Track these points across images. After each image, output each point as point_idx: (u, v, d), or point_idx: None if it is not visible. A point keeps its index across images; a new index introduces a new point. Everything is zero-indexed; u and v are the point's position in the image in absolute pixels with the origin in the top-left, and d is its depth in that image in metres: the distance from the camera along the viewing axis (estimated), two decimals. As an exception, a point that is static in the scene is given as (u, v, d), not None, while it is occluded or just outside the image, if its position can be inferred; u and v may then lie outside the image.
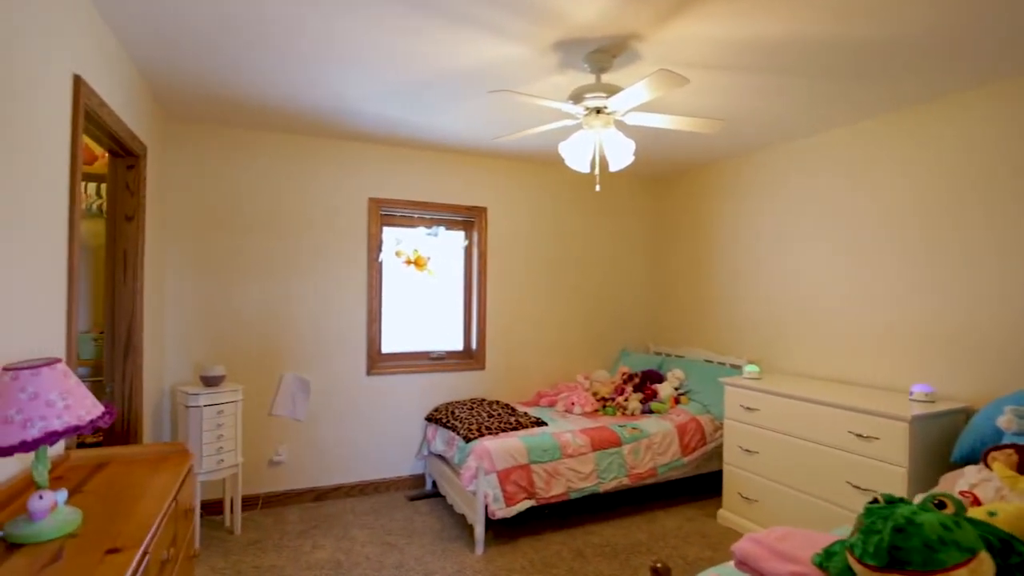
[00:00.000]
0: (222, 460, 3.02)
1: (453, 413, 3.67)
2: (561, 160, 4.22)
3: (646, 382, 4.19)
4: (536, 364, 4.43)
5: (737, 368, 3.98)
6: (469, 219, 4.26)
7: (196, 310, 3.40)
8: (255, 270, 3.53)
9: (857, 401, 2.69)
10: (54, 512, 1.29)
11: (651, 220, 4.96)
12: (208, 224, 3.43)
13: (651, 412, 3.88)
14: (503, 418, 3.53)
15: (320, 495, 3.67)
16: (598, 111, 2.37)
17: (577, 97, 2.35)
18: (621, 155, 2.40)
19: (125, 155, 2.65)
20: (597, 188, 2.53)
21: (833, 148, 3.38)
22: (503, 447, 3.10)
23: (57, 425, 1.26)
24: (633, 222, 4.88)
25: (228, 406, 3.07)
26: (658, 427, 3.60)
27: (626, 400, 3.98)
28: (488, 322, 4.23)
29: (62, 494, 1.34)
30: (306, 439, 3.65)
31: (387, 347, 4.01)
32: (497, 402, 3.96)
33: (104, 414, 1.40)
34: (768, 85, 2.69)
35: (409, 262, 4.01)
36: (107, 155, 2.65)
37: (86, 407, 1.35)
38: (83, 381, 3.19)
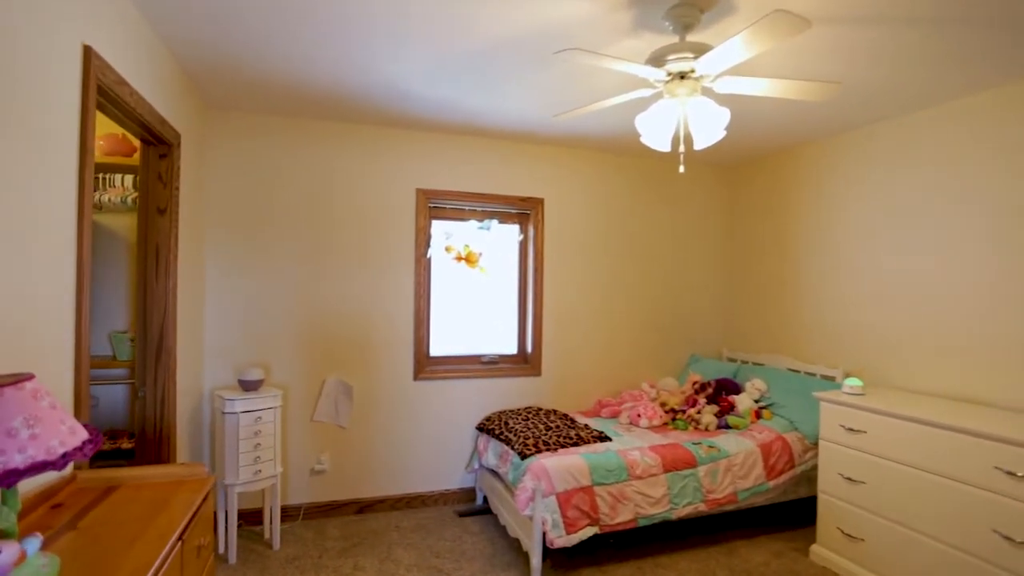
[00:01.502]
0: (259, 471, 2.82)
1: (506, 424, 3.34)
2: (625, 147, 3.82)
3: (721, 392, 3.73)
4: (596, 370, 4.05)
5: (830, 380, 3.46)
6: (524, 211, 3.92)
7: (236, 309, 3.22)
8: (297, 267, 3.32)
9: (1008, 430, 2.17)
10: (20, 567, 1.04)
11: (724, 213, 4.47)
12: (249, 218, 3.24)
13: (728, 427, 3.43)
14: (562, 431, 3.17)
15: (364, 507, 3.43)
16: (682, 76, 1.97)
17: (658, 59, 1.96)
18: (711, 128, 1.99)
19: (157, 143, 2.46)
20: (681, 169, 2.12)
21: (969, 118, 2.82)
22: (563, 466, 2.75)
23: (18, 462, 1.01)
24: (703, 215, 4.40)
25: (266, 412, 2.86)
26: (738, 446, 3.15)
27: (699, 413, 3.54)
28: (544, 324, 3.88)
29: (33, 542, 1.09)
30: (349, 447, 3.42)
31: (435, 350, 3.73)
32: (554, 412, 3.61)
33: (86, 443, 1.14)
34: (885, 41, 2.21)
35: (459, 258, 3.71)
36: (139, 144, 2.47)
37: (60, 436, 1.09)
38: (120, 384, 3.12)
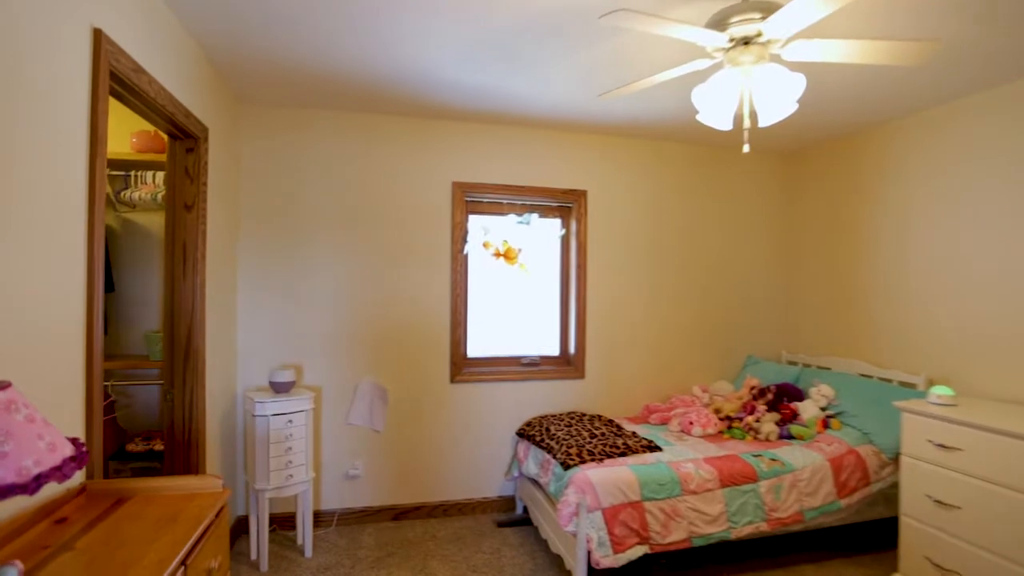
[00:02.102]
0: (291, 476, 2.71)
1: (548, 430, 3.14)
2: (675, 133, 3.54)
3: (782, 399, 3.41)
4: (644, 373, 3.79)
5: (910, 387, 3.10)
6: (566, 204, 3.70)
7: (269, 308, 3.14)
8: (330, 265, 3.22)
9: None
10: (-13, 604, 0.91)
11: (781, 203, 4.12)
12: (281, 215, 3.15)
13: (792, 438, 3.12)
14: (608, 439, 2.94)
15: (399, 514, 3.30)
16: (747, 41, 1.72)
17: (719, 23, 1.71)
18: (781, 100, 1.73)
19: (183, 137, 2.38)
20: (746, 148, 1.87)
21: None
22: (610, 478, 2.52)
23: (-19, 484, 0.88)
24: (759, 205, 4.07)
25: (297, 415, 2.75)
26: (804, 459, 2.84)
27: (758, 421, 3.24)
28: (588, 323, 3.66)
29: (9, 572, 0.97)
30: (384, 452, 3.30)
31: (473, 351, 3.56)
32: (599, 417, 3.38)
33: (66, 462, 1.01)
34: (998, -6, 1.88)
35: (498, 254, 3.53)
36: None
37: (36, 454, 0.96)
38: (155, 384, 3.09)
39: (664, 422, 3.45)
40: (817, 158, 3.87)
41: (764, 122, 1.82)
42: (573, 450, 2.78)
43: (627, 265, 3.76)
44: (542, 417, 3.40)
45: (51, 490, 1.40)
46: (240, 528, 2.99)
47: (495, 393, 3.48)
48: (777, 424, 3.19)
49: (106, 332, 2.77)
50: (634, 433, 3.11)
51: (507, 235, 3.57)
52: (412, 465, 3.33)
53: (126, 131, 2.75)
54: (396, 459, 3.31)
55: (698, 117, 1.88)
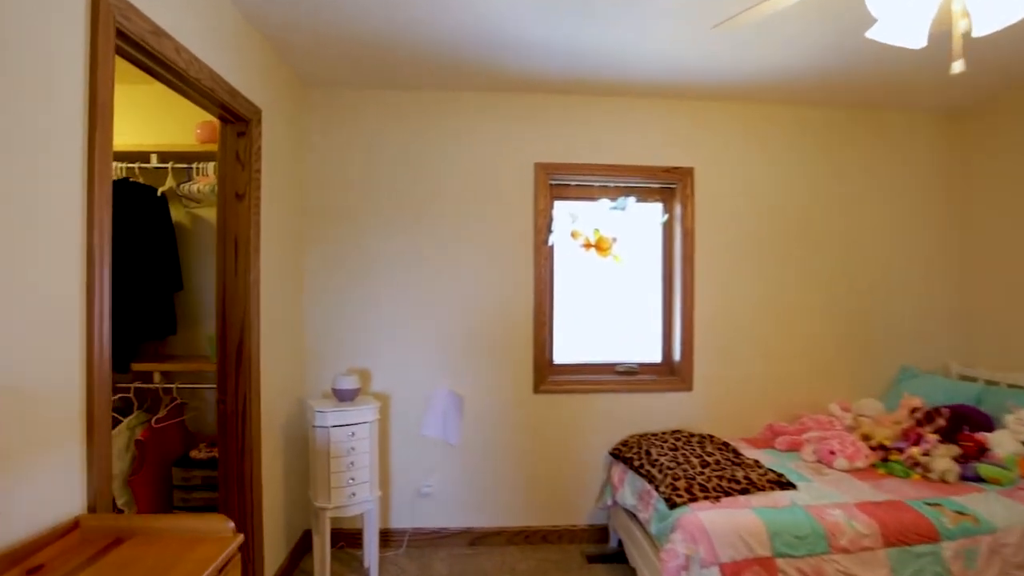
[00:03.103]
0: (354, 494, 2.44)
1: (648, 454, 2.62)
2: (807, 92, 2.86)
3: (960, 426, 2.63)
4: (765, 385, 3.14)
5: None
6: (668, 185, 3.14)
7: (336, 307, 2.90)
8: (400, 259, 2.92)
9: None
10: None
11: (949, 175, 3.25)
12: (348, 205, 2.91)
13: (980, 480, 2.36)
14: (724, 469, 2.38)
15: (476, 539, 2.94)
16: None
17: None
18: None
19: (234, 120, 2.16)
20: (957, 68, 1.25)
21: None
22: (730, 525, 1.98)
23: None
24: (916, 180, 3.24)
25: (361, 427, 2.47)
26: (1009, 514, 2.10)
27: (927, 455, 2.50)
28: (696, 325, 3.08)
29: None
30: (460, 468, 2.95)
31: (560, 356, 3.12)
32: (710, 439, 2.80)
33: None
34: None
35: (588, 245, 3.06)
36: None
37: None
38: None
39: (794, 448, 2.79)
40: (1002, 115, 2.98)
41: (981, 29, 1.20)
42: (680, 483, 2.25)
43: (743, 255, 3.12)
44: (641, 436, 2.89)
45: (33, 525, 1.15)
46: (307, 543, 2.78)
47: (585, 406, 3.01)
48: (957, 461, 2.44)
49: (174, 332, 2.68)
50: (757, 462, 2.51)
51: (599, 223, 3.08)
52: (490, 484, 2.96)
53: (192, 122, 2.61)
54: (473, 477, 2.95)
55: (872, 33, 1.29)
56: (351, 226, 2.90)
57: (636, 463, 2.61)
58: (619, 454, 2.82)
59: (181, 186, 2.49)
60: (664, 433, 2.90)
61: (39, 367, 1.18)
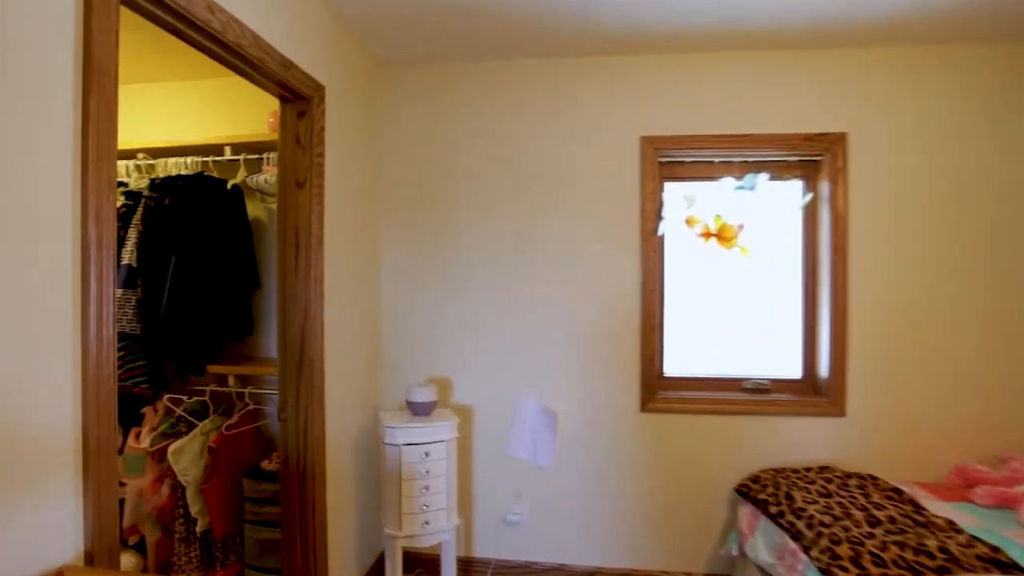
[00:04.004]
0: (427, 522, 2.13)
1: (790, 498, 2.05)
2: (992, 26, 2.10)
3: None
4: (948, 412, 2.39)
5: None
6: (812, 158, 2.51)
7: (414, 307, 2.63)
8: (485, 254, 2.58)
9: None
10: None
11: None
12: (428, 195, 2.62)
13: None
14: (905, 533, 1.76)
15: (571, 579, 2.53)
16: None
17: None
18: None
19: (293, 98, 1.93)
20: None
21: None
22: (921, 623, 1.39)
23: None
24: None
25: (436, 447, 2.16)
26: None
27: None
28: (851, 333, 2.42)
29: None
30: (552, 494, 2.55)
31: (672, 368, 2.61)
32: (873, 482, 2.16)
33: None
34: None
35: (707, 234, 2.51)
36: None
37: None
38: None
39: (1006, 504, 2.05)
40: None
41: None
42: (842, 548, 1.68)
43: (913, 245, 2.40)
44: (777, 472, 2.30)
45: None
46: (381, 567, 2.53)
47: (703, 428, 2.47)
48: None
49: (251, 333, 2.54)
50: (951, 523, 1.84)
51: (720, 207, 2.52)
52: (587, 516, 2.53)
53: (265, 112, 2.45)
54: (567, 505, 2.54)
55: None
56: (432, 218, 2.61)
57: (773, 509, 2.04)
58: (749, 492, 2.26)
59: (249, 178, 2.34)
60: (808, 471, 2.29)
61: (17, 394, 0.96)
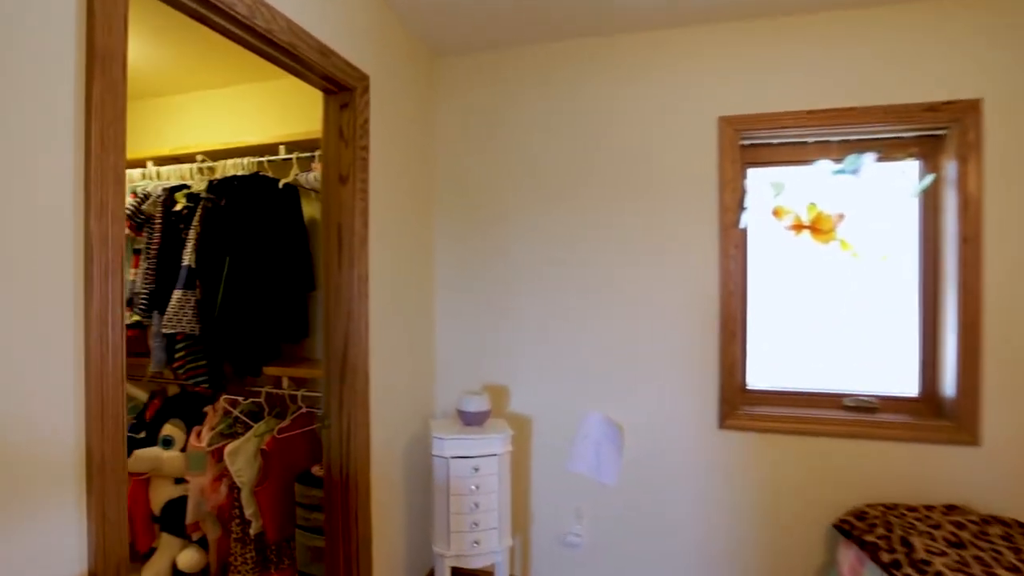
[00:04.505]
0: (477, 542, 1.97)
1: (907, 544, 1.69)
2: None
3: None
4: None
5: None
6: (933, 132, 2.10)
7: (470, 309, 2.48)
8: (546, 251, 2.39)
9: None
10: None
11: None
12: (482, 189, 2.46)
13: None
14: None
15: (640, 613, 2.27)
16: None
17: None
18: None
19: (337, 89, 1.84)
20: None
21: None
22: None
23: None
24: None
25: (487, 461, 1.99)
26: None
27: None
28: (985, 342, 1.99)
29: None
30: (617, 516, 2.31)
31: (756, 380, 2.29)
32: (1020, 528, 1.74)
33: None
34: None
35: (799, 227, 2.18)
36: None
37: None
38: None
39: None
40: None
41: None
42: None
43: (1076, 235, 1.94)
44: (888, 508, 1.93)
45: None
46: (437, 583, 2.41)
47: (794, 451, 2.14)
48: None
49: (307, 335, 2.51)
50: None
51: (816, 194, 2.17)
52: (654, 542, 2.26)
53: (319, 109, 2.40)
54: (633, 529, 2.29)
55: None
56: (489, 214, 2.46)
57: (885, 557, 1.69)
58: (852, 531, 1.90)
59: (300, 175, 2.29)
60: (931, 510, 1.90)
61: (9, 403, 0.89)
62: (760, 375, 2.29)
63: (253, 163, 2.42)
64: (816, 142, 2.19)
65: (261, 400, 2.40)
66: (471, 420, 2.09)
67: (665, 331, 2.25)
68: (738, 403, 2.21)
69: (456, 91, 2.49)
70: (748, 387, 2.28)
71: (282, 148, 2.38)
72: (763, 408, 2.22)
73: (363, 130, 1.87)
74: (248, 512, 2.26)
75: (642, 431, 2.28)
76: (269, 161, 2.42)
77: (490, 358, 2.46)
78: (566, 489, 2.36)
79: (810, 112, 2.12)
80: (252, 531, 2.26)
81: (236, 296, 2.23)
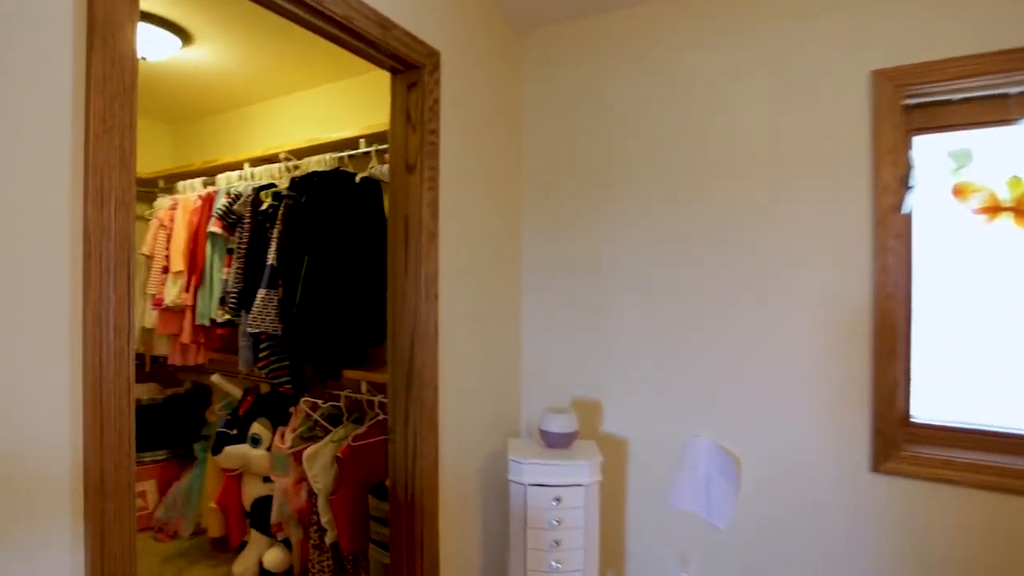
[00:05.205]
0: (558, 586, 1.69)
1: None
2: None
3: None
4: None
5: None
6: None
7: (560, 311, 2.20)
8: (652, 248, 2.04)
9: None
10: None
11: None
12: (575, 175, 2.17)
13: None
14: None
15: None
16: None
17: None
18: None
19: (404, 68, 1.66)
20: None
21: None
22: None
23: None
24: None
25: (573, 492, 1.70)
26: None
27: None
28: None
29: None
30: (730, 567, 1.90)
31: (924, 411, 1.76)
32: None
33: None
34: None
35: (994, 208, 1.62)
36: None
37: None
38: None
39: None
40: None
41: None
42: None
43: None
44: None
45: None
46: (519, 619, 2.16)
47: (983, 511, 1.60)
48: None
49: (386, 338, 2.38)
50: None
51: (1015, 164, 1.61)
52: (785, 608, 1.83)
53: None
54: (754, 587, 1.87)
55: None
56: (581, 206, 2.16)
57: None
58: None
59: (375, 168, 2.17)
60: None
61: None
62: (931, 405, 1.76)
63: (335, 159, 2.35)
64: (1021, 93, 1.63)
65: (341, 404, 2.31)
66: (555, 442, 1.81)
67: (798, 343, 1.81)
68: (899, 441, 1.71)
69: (542, 67, 2.23)
70: (913, 419, 1.76)
71: (362, 142, 2.28)
72: (935, 450, 1.70)
73: (432, 112, 1.68)
74: (324, 520, 2.18)
75: (765, 467, 1.86)
76: (350, 156, 2.34)
77: (582, 368, 2.17)
78: (668, 529, 2.00)
79: (1007, 52, 1.57)
80: (327, 540, 2.18)
81: (314, 295, 2.16)
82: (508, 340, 2.19)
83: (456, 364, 1.83)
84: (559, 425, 1.80)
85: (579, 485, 1.72)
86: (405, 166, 1.67)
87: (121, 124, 0.93)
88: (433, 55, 1.68)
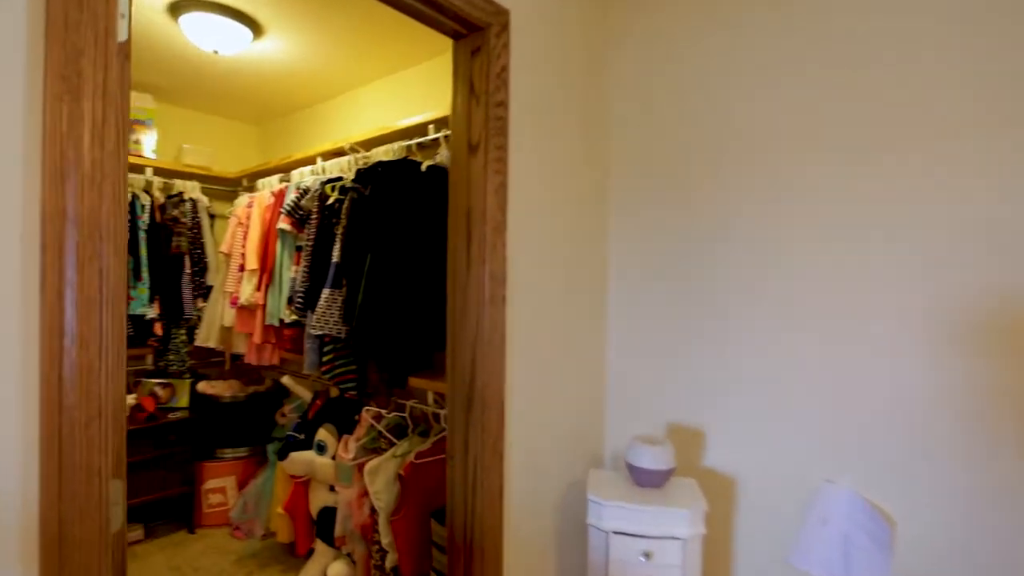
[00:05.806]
0: (647, 664, 1.36)
1: None
2: None
3: None
4: None
5: None
6: None
7: (655, 321, 1.85)
8: (766, 247, 1.65)
9: None
10: None
11: None
12: (677, 162, 1.81)
13: None
14: None
15: None
16: None
17: None
18: None
19: (466, 31, 1.41)
20: None
21: None
22: None
23: None
24: None
25: (667, 545, 1.37)
26: None
27: None
28: None
29: None
30: (881, 658, 1.46)
31: None
32: None
33: None
34: None
35: None
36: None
37: None
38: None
39: None
40: None
41: None
42: None
43: None
44: None
45: None
46: None
47: None
48: None
49: (455, 343, 2.16)
50: None
51: None
52: None
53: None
54: None
55: None
56: (685, 196, 1.80)
57: None
58: None
59: (439, 154, 1.94)
60: None
61: None
62: None
63: (403, 147, 2.16)
64: None
65: (406, 415, 2.12)
66: (645, 480, 1.48)
67: (971, 361, 1.34)
68: None
69: (635, 24, 1.88)
70: None
71: (431, 128, 2.07)
72: None
73: (500, 81, 1.41)
74: (384, 541, 2.00)
75: (932, 529, 1.40)
76: (419, 145, 2.14)
77: (680, 389, 1.81)
78: (791, 593, 1.59)
79: None
80: (387, 563, 1.99)
81: (377, 294, 1.97)
82: (590, 352, 1.87)
83: (527, 381, 1.55)
84: (651, 460, 1.47)
85: (676, 539, 1.37)
86: (468, 146, 1.42)
87: (93, 85, 0.74)
88: (501, 14, 1.42)
